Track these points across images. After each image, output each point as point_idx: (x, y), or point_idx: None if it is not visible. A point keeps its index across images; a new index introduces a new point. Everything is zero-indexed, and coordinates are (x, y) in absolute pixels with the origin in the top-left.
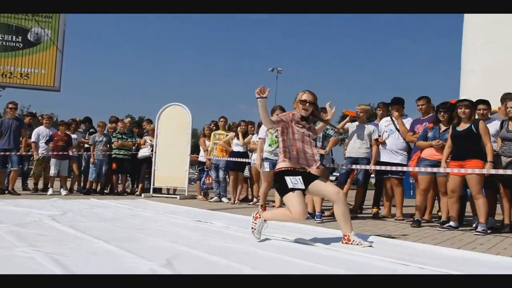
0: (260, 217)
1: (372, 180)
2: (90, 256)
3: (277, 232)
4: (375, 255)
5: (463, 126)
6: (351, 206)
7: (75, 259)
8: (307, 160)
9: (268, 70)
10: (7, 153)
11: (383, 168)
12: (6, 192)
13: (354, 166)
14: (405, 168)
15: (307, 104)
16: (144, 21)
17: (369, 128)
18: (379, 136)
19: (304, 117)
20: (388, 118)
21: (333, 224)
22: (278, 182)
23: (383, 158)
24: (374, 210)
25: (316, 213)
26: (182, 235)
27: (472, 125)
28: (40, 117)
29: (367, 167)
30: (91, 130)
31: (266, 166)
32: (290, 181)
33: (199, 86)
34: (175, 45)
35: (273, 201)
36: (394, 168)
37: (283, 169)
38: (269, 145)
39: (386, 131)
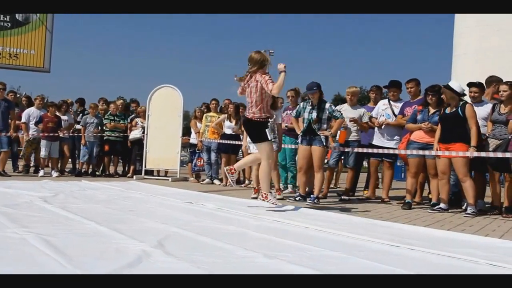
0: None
1: (365, 163)
2: (81, 238)
3: (268, 214)
4: (366, 236)
5: (451, 109)
6: (344, 189)
7: (67, 240)
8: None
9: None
10: None
11: (375, 151)
12: None
13: (348, 149)
14: (396, 151)
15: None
16: None
17: (359, 111)
18: (375, 118)
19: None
20: (386, 101)
21: (325, 207)
22: (261, 130)
23: (375, 141)
24: (366, 192)
25: (311, 196)
26: (173, 216)
27: (459, 109)
28: (25, 98)
29: (363, 150)
30: (81, 110)
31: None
32: (269, 134)
33: (190, 67)
34: (166, 25)
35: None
36: (385, 151)
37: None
38: None
39: (383, 115)
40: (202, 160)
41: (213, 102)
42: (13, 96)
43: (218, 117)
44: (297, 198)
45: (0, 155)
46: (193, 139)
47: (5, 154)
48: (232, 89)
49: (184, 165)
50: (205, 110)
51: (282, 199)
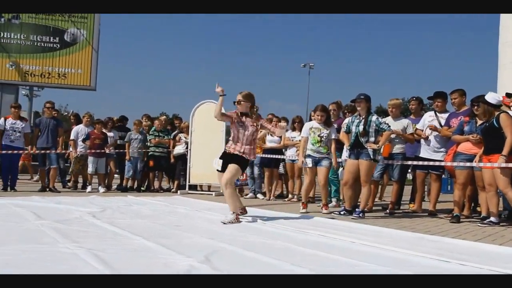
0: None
1: (409, 176)
2: (130, 253)
3: (313, 228)
4: (414, 251)
5: (489, 121)
6: (389, 203)
7: (116, 256)
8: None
9: (300, 65)
10: (47, 151)
11: (420, 163)
12: (47, 189)
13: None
14: (443, 163)
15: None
16: (174, 17)
17: (402, 122)
18: (421, 130)
19: (242, 112)
20: (432, 113)
21: (371, 221)
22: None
23: (422, 154)
24: (412, 206)
25: (357, 210)
26: (219, 231)
27: (494, 119)
28: (73, 116)
29: (408, 162)
30: (119, 124)
31: (309, 162)
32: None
33: (231, 82)
34: (207, 41)
35: (313, 197)
36: (431, 163)
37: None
38: (312, 144)
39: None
40: (245, 175)
41: None
42: (56, 114)
43: (261, 131)
44: (342, 212)
45: (50, 171)
46: None
47: (54, 171)
48: (271, 104)
49: None
50: None
51: (328, 213)
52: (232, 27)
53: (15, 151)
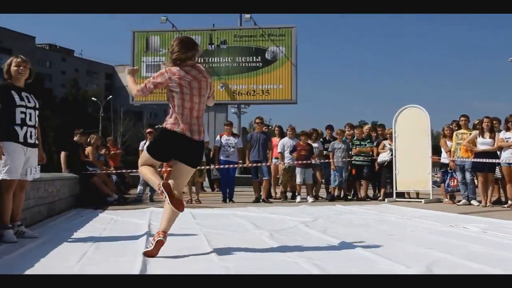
0: None
1: None
2: (348, 262)
3: None
4: None
5: None
6: None
7: (335, 265)
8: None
9: (508, 60)
10: (258, 164)
11: None
12: (261, 200)
13: None
14: None
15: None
16: (373, 21)
17: None
18: None
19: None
20: None
21: None
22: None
23: None
24: None
25: None
26: (435, 240)
27: None
28: (277, 128)
29: None
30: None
31: None
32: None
33: (431, 84)
34: (405, 45)
35: None
36: None
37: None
38: None
39: None
40: (455, 180)
41: (463, 118)
42: (266, 129)
43: (470, 134)
44: None
45: (263, 183)
46: (444, 158)
47: (266, 182)
48: (475, 105)
49: (433, 186)
50: (455, 127)
51: None
52: (427, 28)
53: (231, 165)
